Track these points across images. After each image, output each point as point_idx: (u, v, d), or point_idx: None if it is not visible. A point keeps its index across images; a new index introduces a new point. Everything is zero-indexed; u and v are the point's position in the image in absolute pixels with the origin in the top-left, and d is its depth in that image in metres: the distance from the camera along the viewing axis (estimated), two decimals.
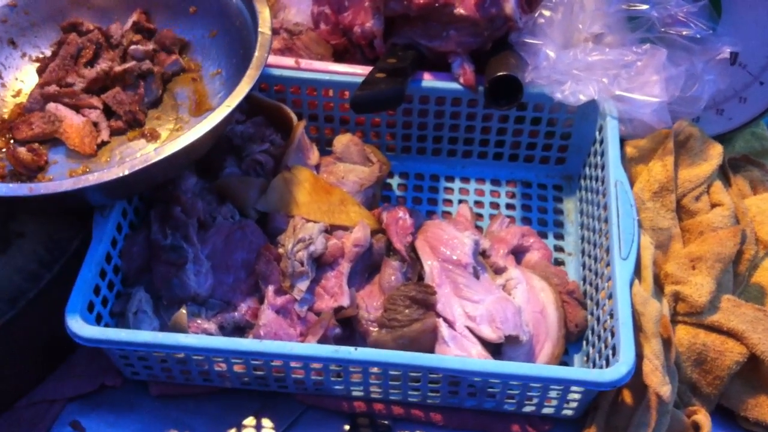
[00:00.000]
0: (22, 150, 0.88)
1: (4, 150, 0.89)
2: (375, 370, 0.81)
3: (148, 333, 0.77)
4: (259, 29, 0.90)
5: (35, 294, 0.81)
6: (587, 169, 1.02)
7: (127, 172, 0.76)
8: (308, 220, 0.92)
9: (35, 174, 0.88)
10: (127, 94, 0.92)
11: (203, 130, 0.80)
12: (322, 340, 0.84)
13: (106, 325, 0.82)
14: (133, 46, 0.93)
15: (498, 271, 0.95)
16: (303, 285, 0.87)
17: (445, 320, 0.86)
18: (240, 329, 0.86)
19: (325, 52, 1.12)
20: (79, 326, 0.76)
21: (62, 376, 0.88)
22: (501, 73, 0.92)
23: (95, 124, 0.91)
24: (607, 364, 0.80)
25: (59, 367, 0.89)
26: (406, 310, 0.84)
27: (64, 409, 0.86)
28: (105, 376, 0.87)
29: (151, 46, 0.96)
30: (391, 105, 0.94)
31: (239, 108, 0.84)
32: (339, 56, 1.13)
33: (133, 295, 0.85)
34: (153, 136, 0.92)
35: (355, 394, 0.85)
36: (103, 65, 0.91)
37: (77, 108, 0.91)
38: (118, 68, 0.91)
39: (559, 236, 1.03)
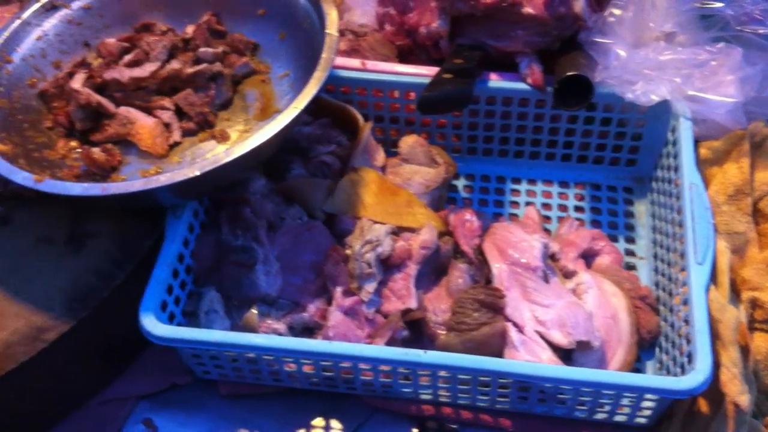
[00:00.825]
0: (96, 150, 0.89)
1: (79, 150, 0.91)
2: (444, 373, 0.80)
3: (220, 332, 0.78)
4: (327, 30, 0.90)
5: (108, 293, 0.83)
6: (659, 171, 1.00)
7: (197, 173, 0.77)
8: (375, 222, 0.92)
9: (109, 174, 0.89)
10: (198, 96, 0.93)
11: (271, 132, 0.81)
12: (390, 342, 0.83)
13: (179, 324, 0.83)
14: (203, 49, 0.94)
15: (568, 275, 0.93)
16: (370, 287, 0.87)
17: (514, 324, 0.85)
18: (309, 330, 0.86)
19: (390, 53, 1.12)
20: (153, 325, 0.77)
21: (133, 374, 0.89)
22: (570, 73, 0.91)
23: (167, 125, 0.92)
24: (683, 372, 0.78)
25: (130, 366, 0.90)
26: (475, 314, 0.83)
27: (136, 407, 0.87)
28: (175, 375, 0.88)
29: (221, 48, 0.97)
30: (458, 106, 0.93)
31: (306, 110, 0.84)
32: (403, 57, 1.13)
33: (205, 295, 0.86)
34: (223, 138, 0.93)
35: (423, 397, 0.85)
36: (174, 65, 0.92)
37: (149, 110, 0.93)
38: (189, 70, 0.92)
39: (630, 240, 1.01)
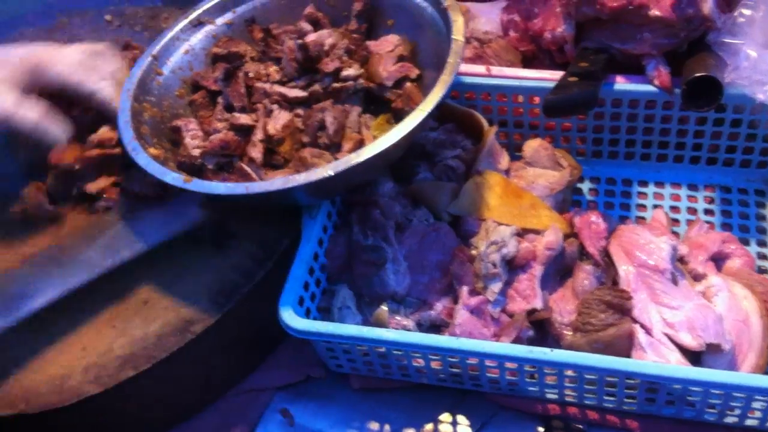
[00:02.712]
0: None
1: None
2: (570, 373, 0.81)
3: (353, 327, 0.82)
4: (453, 36, 0.92)
5: (249, 289, 0.88)
6: None
7: (331, 173, 0.81)
8: (500, 224, 0.94)
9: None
10: (336, 108, 0.97)
11: (399, 135, 0.84)
12: (516, 342, 0.85)
13: (314, 319, 0.88)
14: (345, 72, 0.97)
15: (697, 277, 0.92)
16: (496, 286, 0.89)
17: (642, 326, 0.85)
18: (436, 327, 0.89)
19: (515, 58, 1.14)
20: (291, 318, 0.82)
21: (271, 367, 0.95)
22: (699, 74, 0.90)
23: None
24: None
25: (268, 359, 0.96)
26: (602, 315, 0.84)
27: (274, 397, 0.93)
28: (310, 368, 0.93)
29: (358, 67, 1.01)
30: (584, 108, 0.94)
31: (432, 114, 0.87)
32: (527, 62, 1.15)
33: (338, 292, 0.91)
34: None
35: (549, 396, 0.86)
36: (316, 88, 0.97)
37: None
38: (336, 85, 0.97)
39: (762, 243, 0.99)
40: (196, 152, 0.92)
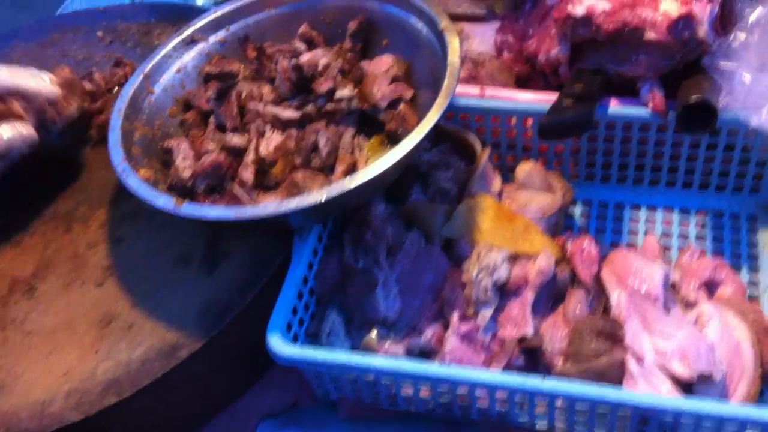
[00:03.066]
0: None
1: None
2: (561, 402, 0.80)
3: (341, 353, 0.81)
4: (449, 58, 0.92)
5: (242, 309, 0.87)
6: None
7: (323, 199, 0.80)
8: (492, 247, 0.93)
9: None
10: (329, 129, 0.96)
11: (395, 158, 0.83)
12: (506, 370, 0.84)
13: (303, 345, 0.87)
14: (339, 93, 0.96)
15: (689, 305, 0.91)
16: (487, 313, 0.88)
17: (634, 354, 0.84)
18: (426, 354, 0.88)
19: (509, 80, 1.13)
20: (279, 346, 0.81)
21: (258, 393, 0.93)
22: (695, 98, 0.89)
23: None
24: None
25: (255, 385, 0.94)
26: (593, 344, 0.83)
27: (261, 424, 0.91)
28: (298, 395, 0.92)
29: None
30: (579, 131, 0.94)
31: (428, 137, 0.86)
32: (522, 83, 1.14)
33: (327, 317, 0.90)
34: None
35: (539, 427, 0.85)
36: (309, 109, 0.96)
37: None
38: (330, 106, 0.96)
39: (754, 270, 0.98)
40: (187, 174, 0.91)
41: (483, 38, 1.19)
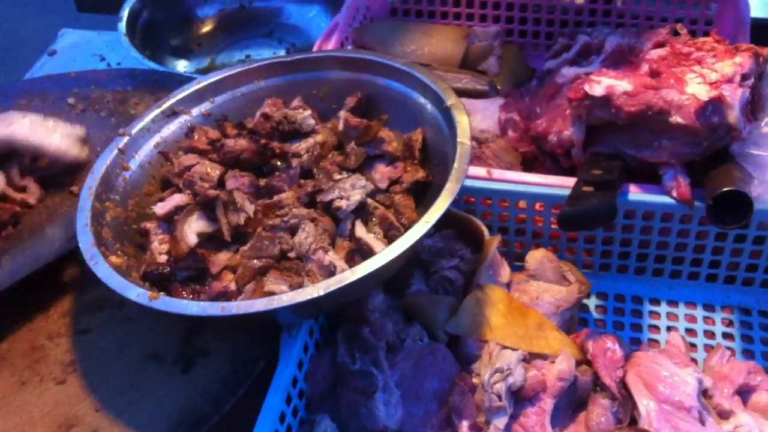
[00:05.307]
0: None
1: None
2: None
3: None
4: (458, 139, 0.83)
5: (218, 420, 0.76)
6: None
7: (321, 293, 0.71)
8: (504, 347, 0.84)
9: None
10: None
11: (400, 249, 0.74)
12: None
13: None
14: (341, 204, 0.86)
15: (723, 414, 0.82)
16: (500, 422, 0.78)
17: None
18: None
19: (515, 160, 1.06)
20: None
21: None
22: (728, 188, 0.82)
23: None
24: None
25: None
26: None
27: None
28: None
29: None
30: (603, 221, 0.85)
31: (436, 225, 0.77)
32: (527, 164, 1.07)
33: (318, 424, 0.79)
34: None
35: None
36: (308, 188, 0.87)
37: None
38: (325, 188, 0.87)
39: None
40: (163, 258, 0.80)
41: (485, 114, 1.11)
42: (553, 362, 0.84)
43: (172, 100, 0.95)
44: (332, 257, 0.79)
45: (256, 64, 0.98)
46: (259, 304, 0.71)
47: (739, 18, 1.11)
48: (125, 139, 0.91)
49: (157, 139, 0.93)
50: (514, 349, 0.83)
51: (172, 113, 0.95)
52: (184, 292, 0.79)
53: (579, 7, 1.23)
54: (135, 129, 0.92)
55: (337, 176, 0.89)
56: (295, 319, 0.80)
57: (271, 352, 0.81)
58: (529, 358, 0.84)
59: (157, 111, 0.94)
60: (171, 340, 0.83)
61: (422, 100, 0.92)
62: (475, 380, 0.82)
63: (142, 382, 0.80)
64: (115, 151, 0.89)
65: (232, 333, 0.83)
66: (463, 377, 0.81)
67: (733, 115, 0.85)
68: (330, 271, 0.78)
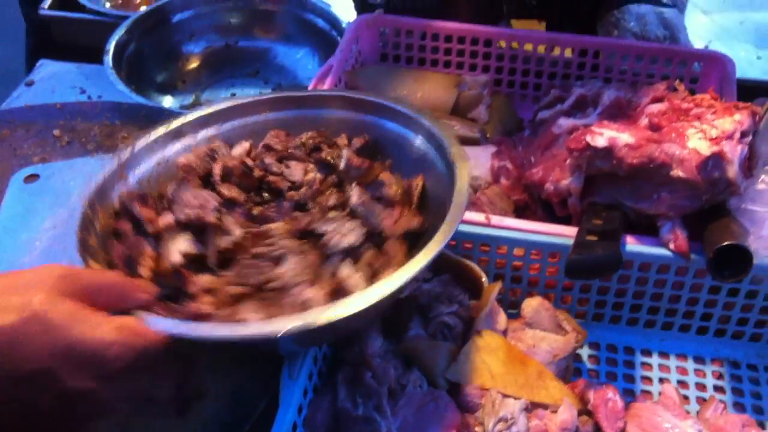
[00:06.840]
0: None
1: None
2: None
3: None
4: (457, 185, 0.83)
5: None
6: None
7: (318, 323, 0.68)
8: (505, 395, 0.83)
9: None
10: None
11: (396, 285, 0.72)
12: None
13: None
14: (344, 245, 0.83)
15: None
16: None
17: None
18: None
19: (508, 207, 1.06)
20: None
21: None
22: (729, 242, 0.83)
23: None
24: None
25: None
26: None
27: None
28: None
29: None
30: (609, 270, 0.85)
31: (431, 264, 0.76)
32: (519, 212, 1.07)
33: None
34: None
35: None
36: (302, 223, 0.86)
37: None
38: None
39: None
40: (145, 273, 0.77)
41: (477, 162, 1.12)
42: (554, 412, 0.83)
43: (180, 122, 0.93)
44: (312, 293, 0.78)
45: (264, 97, 0.97)
46: (253, 328, 0.68)
47: (726, 77, 1.14)
48: (128, 154, 0.88)
49: (159, 157, 0.91)
50: (516, 398, 0.83)
51: (177, 134, 0.93)
52: (159, 310, 0.76)
53: (568, 60, 1.25)
54: (138, 146, 0.89)
55: (332, 214, 0.88)
56: (296, 347, 0.77)
57: (271, 393, 0.78)
58: (530, 408, 0.83)
59: (163, 131, 0.92)
60: (165, 379, 0.79)
61: (425, 146, 0.92)
62: (477, 429, 0.80)
63: (132, 426, 0.77)
64: (116, 164, 0.87)
65: (231, 373, 0.80)
66: (467, 426, 0.80)
67: (733, 171, 0.86)
68: (305, 308, 0.76)
